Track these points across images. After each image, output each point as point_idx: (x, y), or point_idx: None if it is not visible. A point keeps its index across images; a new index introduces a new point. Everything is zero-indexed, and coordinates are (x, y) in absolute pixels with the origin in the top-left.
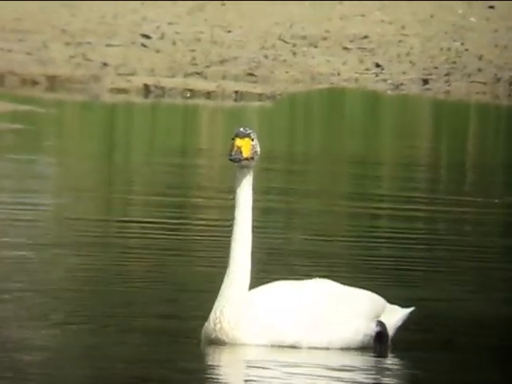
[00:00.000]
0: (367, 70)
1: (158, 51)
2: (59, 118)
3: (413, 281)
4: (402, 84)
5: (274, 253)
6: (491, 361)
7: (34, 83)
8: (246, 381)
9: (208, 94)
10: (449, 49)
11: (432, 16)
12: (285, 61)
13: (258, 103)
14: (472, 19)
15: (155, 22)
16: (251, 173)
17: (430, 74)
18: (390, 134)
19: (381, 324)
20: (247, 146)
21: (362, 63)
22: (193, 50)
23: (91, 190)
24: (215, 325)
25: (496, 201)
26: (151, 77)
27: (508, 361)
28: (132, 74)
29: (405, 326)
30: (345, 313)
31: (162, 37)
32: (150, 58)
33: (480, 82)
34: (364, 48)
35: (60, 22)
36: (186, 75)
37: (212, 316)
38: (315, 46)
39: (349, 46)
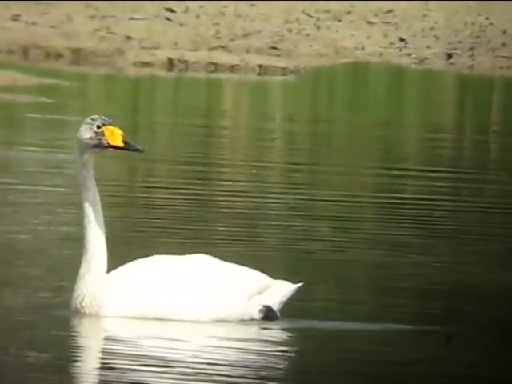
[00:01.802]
0: (391, 44)
1: (181, 25)
2: (83, 91)
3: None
4: (426, 58)
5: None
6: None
7: (59, 56)
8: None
9: (231, 68)
10: (473, 23)
11: None
12: (308, 35)
13: (281, 77)
14: None
15: None
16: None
17: (455, 49)
18: (413, 107)
19: (266, 309)
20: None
21: (386, 37)
22: (217, 24)
23: (113, 169)
24: (79, 300)
25: None
26: (175, 50)
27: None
28: (156, 48)
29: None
30: (217, 288)
31: (186, 10)
32: (173, 31)
33: (504, 57)
34: (388, 22)
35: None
36: (210, 49)
37: (76, 291)
38: (339, 20)
39: (373, 20)
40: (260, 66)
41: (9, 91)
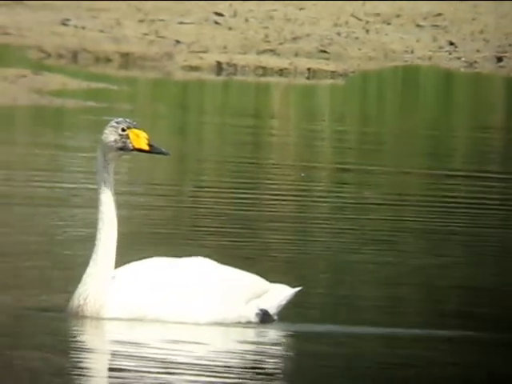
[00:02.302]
0: (440, 47)
1: (230, 28)
2: (132, 95)
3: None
4: (475, 62)
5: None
6: None
7: (108, 61)
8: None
9: (280, 72)
10: None
11: None
12: (357, 38)
13: (330, 81)
14: None
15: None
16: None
17: (505, 52)
18: (462, 111)
19: (263, 313)
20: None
21: (435, 41)
22: (265, 27)
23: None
24: (79, 303)
25: None
26: (224, 54)
27: None
28: (204, 52)
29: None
30: (215, 291)
31: (235, 14)
32: (222, 35)
33: None
34: (437, 25)
35: (134, 0)
36: (259, 52)
37: (76, 294)
38: (388, 23)
39: (422, 23)
40: (309, 69)
41: (58, 95)
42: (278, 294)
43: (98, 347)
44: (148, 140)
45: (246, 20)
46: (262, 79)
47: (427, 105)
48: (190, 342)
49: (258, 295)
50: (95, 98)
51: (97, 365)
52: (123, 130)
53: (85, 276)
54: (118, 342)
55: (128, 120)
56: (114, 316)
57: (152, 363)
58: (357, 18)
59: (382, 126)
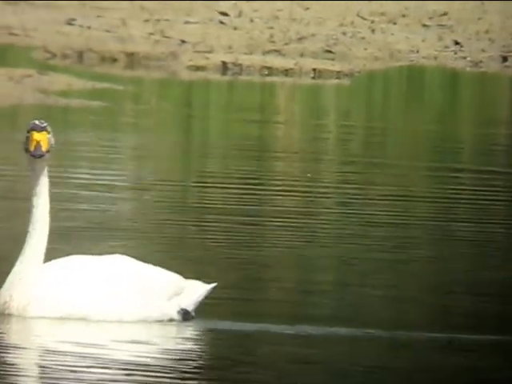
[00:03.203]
0: (446, 47)
1: (235, 28)
2: (137, 95)
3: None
4: (481, 61)
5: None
6: None
7: (113, 60)
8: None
9: (286, 72)
10: None
11: None
12: (363, 38)
13: (335, 81)
14: None
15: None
16: (46, 164)
17: (510, 52)
18: (468, 110)
19: (184, 310)
20: (45, 140)
21: (441, 40)
22: (271, 28)
23: (168, 170)
24: (5, 300)
25: None
26: (229, 54)
27: None
28: (210, 52)
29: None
30: (138, 289)
31: (240, 14)
32: (227, 35)
33: None
34: (443, 25)
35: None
36: (264, 52)
37: (2, 291)
38: (394, 23)
39: (428, 23)
40: (314, 69)
41: (64, 95)
42: (194, 291)
43: (22, 344)
44: (37, 143)
45: (252, 20)
46: (268, 79)
47: (433, 104)
48: (119, 340)
49: (177, 292)
50: (101, 97)
51: (21, 361)
52: (28, 131)
53: (11, 273)
54: (42, 340)
55: (37, 122)
56: (38, 315)
57: (80, 360)
58: (362, 18)
59: (386, 127)
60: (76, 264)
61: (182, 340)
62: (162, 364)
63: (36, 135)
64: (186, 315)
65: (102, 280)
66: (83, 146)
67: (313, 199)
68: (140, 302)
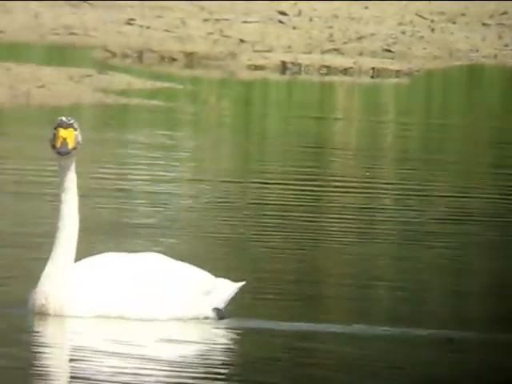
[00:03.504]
0: (506, 46)
1: (295, 28)
2: (196, 94)
3: None
4: None
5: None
6: None
7: (172, 60)
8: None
9: (345, 71)
10: None
11: None
12: (422, 37)
13: (394, 80)
14: None
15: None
16: (74, 160)
17: None
18: None
19: (217, 311)
20: (72, 137)
21: (500, 39)
22: (330, 27)
23: (221, 174)
24: (42, 303)
25: None
26: (288, 53)
27: None
28: (269, 51)
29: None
30: (174, 287)
31: (299, 13)
32: (287, 34)
33: None
34: (503, 24)
35: (198, 0)
36: (323, 52)
37: (38, 293)
38: (454, 22)
39: (488, 21)
40: (373, 68)
41: (123, 95)
42: (225, 290)
43: (58, 344)
44: (63, 140)
45: (311, 19)
46: (327, 78)
47: (492, 103)
48: (161, 339)
49: (209, 291)
50: (160, 97)
51: (59, 361)
52: (54, 128)
53: (44, 273)
54: (81, 339)
55: (63, 118)
56: (76, 314)
57: (118, 359)
58: (422, 17)
59: (446, 121)
60: (110, 262)
61: (221, 339)
62: (205, 363)
63: (62, 132)
64: (220, 313)
65: (137, 278)
66: (142, 145)
67: (371, 196)
68: (176, 300)
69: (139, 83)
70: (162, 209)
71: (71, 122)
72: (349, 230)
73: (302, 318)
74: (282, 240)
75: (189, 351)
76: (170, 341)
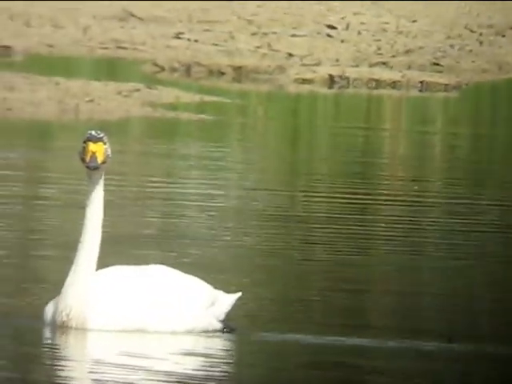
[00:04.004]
0: None
1: (343, 41)
2: (244, 108)
3: None
4: None
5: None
6: None
7: (220, 74)
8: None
9: (393, 84)
10: None
11: None
12: (471, 50)
13: (443, 93)
14: None
15: (340, 12)
16: (103, 174)
17: None
18: None
19: (223, 323)
20: (101, 151)
21: None
22: (378, 40)
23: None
24: (64, 316)
25: None
26: (336, 67)
27: None
28: (317, 65)
29: None
30: (183, 299)
31: (347, 27)
32: (335, 48)
33: None
34: None
35: (246, 13)
36: (371, 65)
37: (60, 305)
38: (503, 35)
39: None
40: (421, 82)
41: (172, 108)
42: (224, 301)
43: (83, 358)
44: (93, 154)
45: (359, 33)
46: (375, 92)
47: None
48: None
49: (213, 303)
50: (208, 110)
51: (77, 374)
52: (84, 142)
53: (66, 285)
54: (103, 353)
55: (93, 132)
56: (98, 328)
57: (141, 373)
58: (470, 31)
59: (495, 133)
60: (127, 275)
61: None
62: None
63: (92, 146)
64: (227, 325)
65: (155, 291)
66: (191, 158)
67: (419, 208)
68: (189, 312)
69: (187, 97)
70: (209, 219)
71: (101, 135)
72: (396, 240)
73: (346, 331)
74: (327, 253)
75: (211, 365)
76: (189, 354)
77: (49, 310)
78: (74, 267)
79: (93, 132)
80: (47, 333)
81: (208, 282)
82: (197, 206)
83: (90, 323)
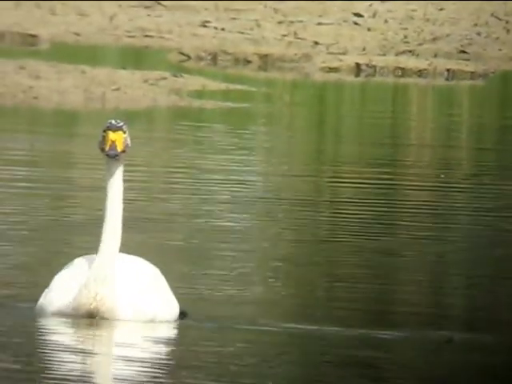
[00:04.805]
0: None
1: (369, 29)
2: (270, 96)
3: None
4: None
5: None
6: None
7: (247, 62)
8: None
9: (419, 73)
10: None
11: None
12: (498, 38)
13: (469, 81)
14: None
15: (367, 0)
16: (121, 163)
17: None
18: None
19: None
20: (120, 140)
21: None
22: (405, 28)
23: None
24: (90, 304)
25: None
26: (362, 55)
27: None
28: (343, 53)
29: None
30: (167, 289)
31: (374, 15)
32: (361, 36)
33: None
34: None
35: (272, 1)
36: (398, 53)
37: (84, 293)
38: None
39: None
40: (448, 70)
41: (198, 97)
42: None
43: (104, 350)
44: (112, 143)
45: (386, 21)
46: (401, 80)
47: None
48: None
49: None
50: (234, 99)
51: (94, 367)
52: (103, 131)
53: (90, 273)
54: (127, 345)
55: (113, 121)
56: (125, 318)
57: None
58: (497, 18)
59: None
60: (140, 265)
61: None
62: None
63: (111, 135)
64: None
65: (158, 280)
66: (216, 145)
67: (445, 194)
68: (173, 300)
69: (213, 85)
70: (236, 204)
71: (120, 124)
72: (424, 228)
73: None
74: (354, 238)
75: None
76: (205, 345)
77: (54, 297)
78: (98, 255)
79: (112, 121)
80: (84, 324)
81: (231, 270)
82: (224, 191)
83: (118, 314)
